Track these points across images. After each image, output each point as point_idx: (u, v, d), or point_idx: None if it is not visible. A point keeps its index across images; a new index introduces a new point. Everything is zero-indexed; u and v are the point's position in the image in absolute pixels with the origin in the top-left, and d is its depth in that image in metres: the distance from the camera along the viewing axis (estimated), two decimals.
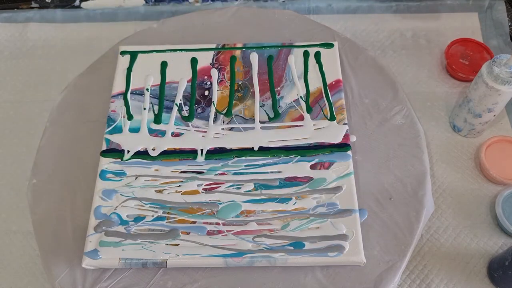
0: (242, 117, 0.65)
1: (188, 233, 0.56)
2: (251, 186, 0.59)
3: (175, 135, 0.63)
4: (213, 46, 0.71)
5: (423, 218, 0.59)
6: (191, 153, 0.61)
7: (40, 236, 0.59)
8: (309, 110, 0.65)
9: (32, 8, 0.88)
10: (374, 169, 0.62)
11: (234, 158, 0.61)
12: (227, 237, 0.55)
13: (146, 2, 0.87)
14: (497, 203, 0.64)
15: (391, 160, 0.63)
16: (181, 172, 0.60)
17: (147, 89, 0.67)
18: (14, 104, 0.78)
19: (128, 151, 0.62)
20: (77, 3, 0.87)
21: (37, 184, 0.62)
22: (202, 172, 0.60)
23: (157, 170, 0.60)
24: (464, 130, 0.71)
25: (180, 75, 0.68)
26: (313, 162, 0.60)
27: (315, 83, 0.67)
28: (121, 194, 0.58)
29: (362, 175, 0.62)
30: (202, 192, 0.59)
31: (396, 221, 0.59)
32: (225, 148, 0.62)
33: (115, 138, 0.63)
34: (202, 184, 0.59)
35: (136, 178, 0.59)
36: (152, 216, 0.57)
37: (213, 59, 0.70)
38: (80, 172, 0.63)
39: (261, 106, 0.65)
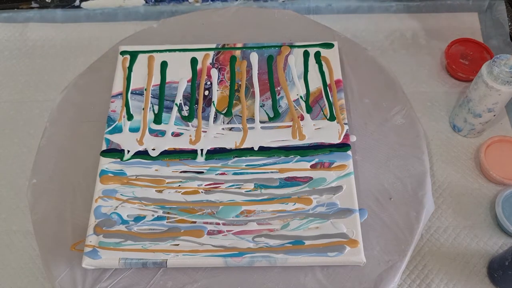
0: (242, 117, 0.64)
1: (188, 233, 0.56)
2: (251, 186, 0.59)
3: (175, 135, 0.63)
4: (213, 46, 0.71)
5: (423, 218, 0.59)
6: (191, 153, 0.62)
7: (40, 236, 0.59)
8: (309, 110, 0.65)
9: (32, 8, 0.88)
10: (374, 169, 0.62)
11: (234, 158, 0.61)
12: (227, 237, 0.55)
13: (146, 2, 0.87)
14: (497, 203, 0.64)
15: (391, 160, 0.63)
16: (181, 172, 0.60)
17: (145, 89, 0.67)
18: (14, 104, 0.78)
19: (128, 151, 0.62)
20: (77, 3, 0.87)
21: (37, 184, 0.62)
22: (202, 172, 0.60)
23: (157, 170, 0.60)
24: (464, 130, 0.71)
25: (180, 75, 0.68)
26: (313, 162, 0.60)
27: (315, 83, 0.67)
28: (121, 194, 0.58)
29: (362, 175, 0.62)
30: (202, 192, 0.59)
31: (396, 221, 0.59)
32: (225, 148, 0.62)
33: (115, 138, 0.63)
34: (202, 184, 0.59)
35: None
36: (152, 216, 0.57)
37: (213, 59, 0.70)
38: (80, 172, 0.63)
39: (261, 106, 0.65)
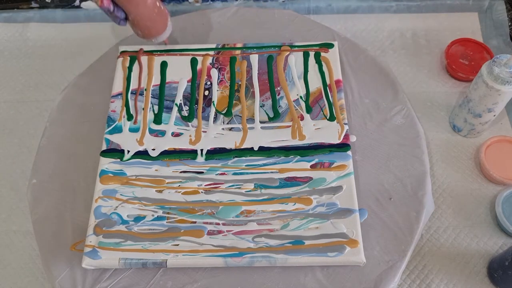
0: (242, 117, 0.64)
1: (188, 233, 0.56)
2: (251, 186, 0.59)
3: (175, 135, 0.63)
4: (213, 46, 0.71)
5: (423, 218, 0.59)
6: (191, 153, 0.61)
7: (40, 236, 0.59)
8: (309, 110, 0.65)
9: (32, 8, 0.88)
10: (374, 169, 0.62)
11: (234, 158, 0.61)
12: (227, 237, 0.55)
13: None
14: (497, 203, 0.64)
15: (391, 160, 0.63)
16: (181, 172, 0.60)
17: (145, 89, 0.67)
18: (14, 104, 0.78)
19: (128, 151, 0.62)
20: (77, 3, 0.87)
21: (37, 184, 0.62)
22: (202, 172, 0.60)
23: (157, 170, 0.60)
24: (464, 130, 0.71)
25: (180, 75, 0.68)
26: (313, 162, 0.60)
27: (315, 83, 0.67)
28: (121, 194, 0.58)
29: (362, 175, 0.62)
30: (202, 192, 0.59)
31: (396, 221, 0.59)
32: (225, 148, 0.62)
33: (115, 138, 0.63)
34: (202, 184, 0.59)
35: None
36: (152, 216, 0.57)
37: (213, 59, 0.70)
38: (80, 172, 0.63)
39: (261, 106, 0.65)
